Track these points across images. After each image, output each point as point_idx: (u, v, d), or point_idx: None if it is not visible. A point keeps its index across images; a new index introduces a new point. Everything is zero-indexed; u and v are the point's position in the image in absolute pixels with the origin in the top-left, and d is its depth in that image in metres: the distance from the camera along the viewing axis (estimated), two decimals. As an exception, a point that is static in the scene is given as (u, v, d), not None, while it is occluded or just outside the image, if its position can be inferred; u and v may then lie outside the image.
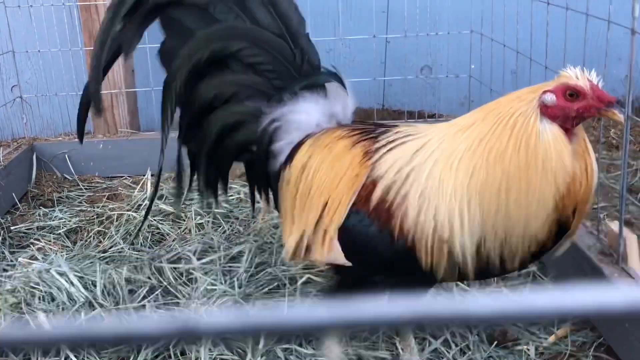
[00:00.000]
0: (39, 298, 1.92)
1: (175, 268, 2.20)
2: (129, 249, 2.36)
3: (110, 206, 2.73)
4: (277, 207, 1.74)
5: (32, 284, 1.97)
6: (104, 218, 2.65)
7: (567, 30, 2.22)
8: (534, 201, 1.36)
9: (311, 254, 1.57)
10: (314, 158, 1.61)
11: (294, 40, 1.72)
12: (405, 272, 1.50)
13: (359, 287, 1.58)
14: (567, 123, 1.38)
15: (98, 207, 2.75)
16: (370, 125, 1.66)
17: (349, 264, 1.53)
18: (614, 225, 1.95)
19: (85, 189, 2.97)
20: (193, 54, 1.69)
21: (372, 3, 3.23)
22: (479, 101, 3.23)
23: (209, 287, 1.97)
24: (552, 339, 1.92)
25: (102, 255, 2.35)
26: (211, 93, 1.72)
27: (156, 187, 1.84)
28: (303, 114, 1.69)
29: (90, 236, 2.53)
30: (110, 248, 2.39)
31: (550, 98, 1.36)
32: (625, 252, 1.88)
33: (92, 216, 2.69)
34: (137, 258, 2.30)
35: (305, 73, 1.72)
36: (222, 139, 1.74)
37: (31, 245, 2.47)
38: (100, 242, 2.47)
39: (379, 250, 1.48)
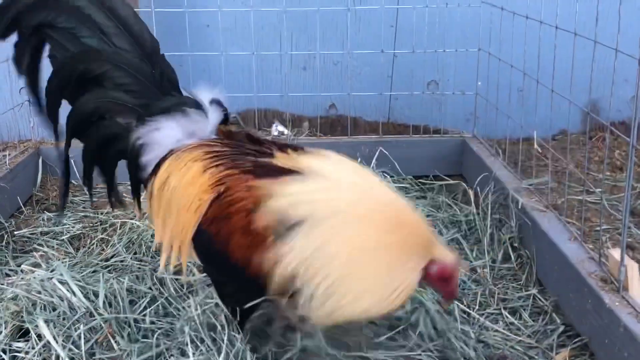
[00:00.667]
0: (40, 307, 1.93)
1: (176, 279, 2.21)
2: (131, 258, 2.37)
3: (114, 213, 2.74)
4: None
5: (33, 292, 1.98)
6: (107, 225, 2.66)
7: (574, 54, 2.22)
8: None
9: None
10: (173, 177, 1.81)
11: (151, 61, 1.90)
12: (240, 283, 1.74)
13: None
14: (422, 280, 1.66)
15: (102, 214, 2.76)
16: (229, 143, 1.84)
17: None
18: (616, 253, 1.95)
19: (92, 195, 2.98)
20: (62, 74, 1.89)
21: (380, 17, 3.24)
22: (484, 118, 3.24)
23: (208, 300, 1.97)
24: (550, 364, 1.93)
25: (105, 263, 2.36)
26: (90, 106, 1.90)
27: (63, 192, 2.11)
28: (163, 131, 1.87)
29: (93, 243, 2.54)
30: (112, 257, 2.40)
31: (434, 269, 1.63)
32: (627, 280, 1.88)
33: (96, 223, 2.70)
34: (139, 268, 2.31)
35: (165, 90, 1.91)
36: (102, 149, 1.95)
37: (34, 251, 2.48)
38: (103, 249, 2.49)
39: (217, 264, 1.77)
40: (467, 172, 3.16)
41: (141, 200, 1.99)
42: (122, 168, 1.98)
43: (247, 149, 1.82)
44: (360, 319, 1.71)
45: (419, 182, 3.16)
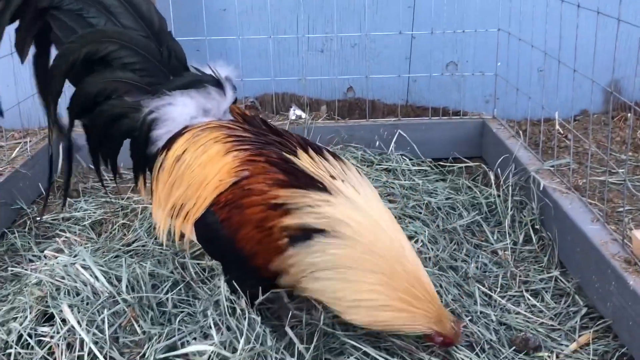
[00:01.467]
0: (65, 292, 1.95)
1: (198, 263, 2.22)
2: (152, 243, 2.38)
3: (135, 198, 2.76)
4: (151, 187, 1.96)
5: (57, 278, 2.00)
6: (128, 210, 2.68)
7: (597, 33, 2.18)
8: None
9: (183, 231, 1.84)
10: (189, 153, 1.82)
11: (158, 39, 1.90)
12: (241, 270, 1.79)
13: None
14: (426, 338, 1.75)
15: (123, 199, 2.78)
16: (250, 129, 1.85)
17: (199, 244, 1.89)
18: (639, 233, 1.93)
19: (110, 179, 2.99)
20: (69, 55, 1.87)
21: (398, -2, 3.21)
22: (504, 99, 3.21)
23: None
24: (573, 347, 1.91)
25: (127, 248, 2.38)
26: (95, 88, 1.91)
27: (67, 179, 2.15)
28: (178, 107, 1.89)
29: (115, 229, 2.56)
30: (134, 242, 2.42)
31: (438, 340, 1.72)
32: (651, 262, 1.86)
33: (117, 208, 2.72)
34: (161, 252, 2.33)
35: (174, 68, 1.91)
36: (109, 128, 1.95)
37: (56, 237, 2.51)
38: (124, 235, 2.50)
39: (221, 248, 1.80)
40: (487, 154, 3.14)
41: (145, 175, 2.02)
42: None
43: (270, 139, 1.82)
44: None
45: (438, 164, 3.14)
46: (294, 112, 3.50)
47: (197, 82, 1.90)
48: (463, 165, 3.09)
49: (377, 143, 3.17)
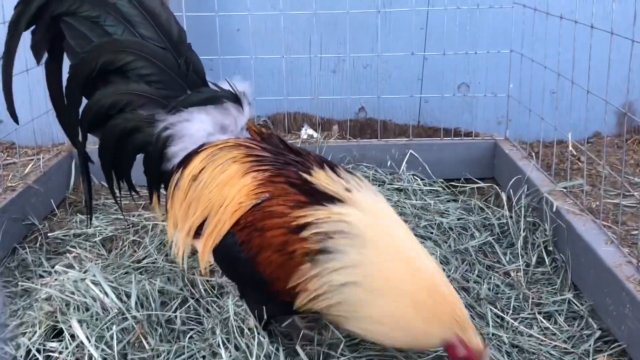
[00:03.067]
0: (74, 307, 1.95)
1: (207, 280, 2.21)
2: (162, 260, 2.38)
3: (146, 215, 2.76)
4: (165, 204, 1.91)
5: (67, 293, 1.99)
6: (139, 227, 2.68)
7: (610, 55, 2.18)
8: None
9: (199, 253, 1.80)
10: (206, 172, 1.77)
11: (177, 51, 1.86)
12: (261, 294, 1.74)
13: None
14: (446, 353, 1.67)
15: (133, 216, 2.78)
16: (268, 147, 1.81)
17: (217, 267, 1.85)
18: (655, 256, 1.91)
19: (122, 196, 3.00)
20: (85, 65, 1.84)
21: (411, 19, 3.22)
22: (517, 121, 3.20)
23: (237, 304, 1.97)
24: (587, 370, 1.88)
25: (137, 265, 2.38)
26: (108, 101, 1.87)
27: (88, 197, 2.14)
28: (195, 123, 1.84)
29: (125, 245, 2.56)
30: (144, 259, 2.42)
31: (461, 350, 1.61)
32: (666, 285, 1.83)
33: (128, 225, 2.72)
34: (171, 269, 2.32)
35: (191, 81, 1.87)
36: (121, 143, 1.91)
37: (67, 253, 2.51)
38: (134, 251, 2.50)
39: (240, 271, 1.75)
40: (499, 175, 3.12)
41: (160, 192, 1.99)
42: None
43: (289, 158, 1.78)
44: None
45: (450, 185, 3.12)
46: (306, 132, 3.51)
47: (215, 99, 1.85)
48: (475, 186, 3.08)
49: (389, 163, 3.16)
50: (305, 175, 1.71)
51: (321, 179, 1.71)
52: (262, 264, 1.67)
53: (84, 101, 1.94)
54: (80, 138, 1.98)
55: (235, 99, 1.87)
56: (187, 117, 1.84)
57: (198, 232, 1.80)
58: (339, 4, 3.20)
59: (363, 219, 1.64)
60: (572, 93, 2.48)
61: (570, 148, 2.78)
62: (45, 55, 1.92)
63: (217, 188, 1.75)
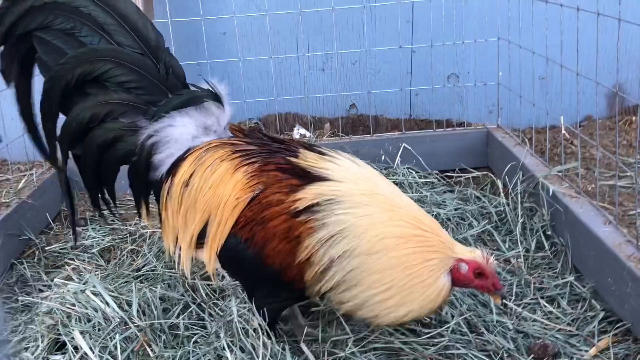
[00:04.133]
0: (76, 319, 1.93)
1: (208, 284, 2.20)
2: (162, 267, 2.37)
3: (142, 224, 2.75)
4: (159, 215, 1.88)
5: (68, 305, 1.98)
6: (136, 236, 2.67)
7: (598, 37, 2.18)
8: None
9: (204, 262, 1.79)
10: (197, 177, 1.76)
11: (155, 56, 1.83)
12: (273, 287, 1.74)
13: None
14: (459, 284, 1.70)
15: (130, 225, 2.77)
16: (252, 142, 1.81)
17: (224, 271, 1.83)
18: (654, 234, 1.91)
19: (117, 207, 2.99)
20: (62, 77, 1.79)
21: (397, 14, 3.22)
22: (508, 108, 3.20)
23: (240, 306, 1.96)
24: (593, 351, 1.88)
25: (136, 274, 2.37)
26: (87, 114, 1.82)
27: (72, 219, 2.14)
28: (178, 128, 1.82)
29: (124, 255, 2.55)
30: (143, 267, 2.41)
31: (464, 268, 1.67)
32: (667, 261, 1.84)
33: (125, 234, 2.71)
34: (171, 276, 2.31)
35: (172, 85, 1.84)
36: (103, 154, 1.86)
37: (66, 265, 2.50)
38: (133, 260, 2.49)
39: (249, 270, 1.74)
40: (494, 163, 3.12)
41: (148, 202, 1.95)
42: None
43: (274, 147, 1.80)
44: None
45: (445, 175, 3.12)
46: (298, 131, 3.51)
47: (195, 99, 1.83)
48: (470, 175, 3.08)
49: (383, 157, 3.16)
50: (293, 159, 1.72)
51: (309, 158, 1.73)
52: (271, 256, 1.67)
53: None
54: (60, 157, 1.91)
55: (215, 97, 1.85)
56: (170, 122, 1.82)
57: (200, 242, 1.78)
58: (324, 1, 3.20)
59: (355, 188, 1.67)
60: (562, 77, 2.48)
61: (564, 132, 2.79)
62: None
63: (211, 190, 1.75)
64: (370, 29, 3.42)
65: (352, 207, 1.64)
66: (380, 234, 1.62)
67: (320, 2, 3.24)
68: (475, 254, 1.68)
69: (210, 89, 1.86)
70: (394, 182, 3.00)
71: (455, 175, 3.12)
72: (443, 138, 3.22)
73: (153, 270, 2.37)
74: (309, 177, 1.68)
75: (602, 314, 2.03)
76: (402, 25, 3.37)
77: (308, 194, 1.64)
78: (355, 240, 1.62)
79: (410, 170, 3.09)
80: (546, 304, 2.12)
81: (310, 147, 1.81)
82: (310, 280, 1.66)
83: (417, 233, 1.65)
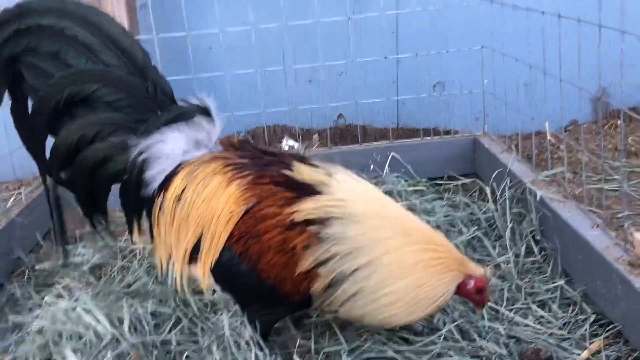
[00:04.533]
0: (67, 337, 1.93)
1: (200, 299, 2.20)
2: (153, 282, 2.36)
3: (133, 240, 2.73)
4: (151, 232, 1.87)
5: (59, 323, 1.97)
6: (126, 252, 2.66)
7: (580, 42, 2.21)
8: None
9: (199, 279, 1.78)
10: (189, 191, 1.76)
11: (142, 74, 1.83)
12: (267, 301, 1.74)
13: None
14: (458, 294, 1.78)
15: (120, 242, 2.76)
16: (244, 154, 1.81)
17: (218, 287, 1.80)
18: (640, 236, 1.93)
19: (108, 223, 2.98)
20: (50, 99, 1.79)
21: (381, 24, 3.25)
22: (494, 115, 3.23)
23: (232, 319, 1.96)
24: (585, 354, 1.89)
25: (127, 290, 2.36)
26: (75, 136, 1.81)
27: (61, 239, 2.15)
28: (169, 143, 1.81)
29: (114, 271, 2.54)
30: (134, 282, 2.40)
31: (471, 284, 1.74)
32: (654, 262, 1.85)
33: (115, 251, 2.70)
34: (161, 291, 2.30)
35: (161, 102, 1.84)
36: (94, 175, 1.85)
37: (56, 284, 2.48)
38: (124, 276, 2.48)
39: (244, 284, 1.74)
40: (482, 170, 3.14)
41: (140, 220, 1.93)
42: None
43: (267, 159, 1.80)
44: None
45: (434, 183, 3.14)
46: (287, 143, 3.52)
47: (185, 114, 1.83)
48: (459, 182, 3.10)
49: (372, 167, 3.18)
50: (287, 172, 1.73)
51: (303, 171, 1.74)
52: (265, 270, 1.67)
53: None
54: (52, 179, 1.92)
55: (205, 112, 1.85)
56: (161, 138, 1.81)
57: (193, 257, 1.77)
58: (309, 13, 3.22)
59: (351, 200, 1.69)
60: (546, 83, 2.51)
61: (549, 137, 2.81)
62: (9, 102, 1.87)
63: (204, 203, 1.74)
64: (356, 41, 3.45)
65: (353, 223, 1.66)
66: (394, 256, 1.68)
67: (305, 14, 3.26)
68: (483, 271, 1.75)
69: (199, 104, 1.86)
70: (383, 191, 3.01)
71: (443, 182, 3.13)
72: (431, 146, 3.24)
73: (144, 286, 2.36)
74: (303, 190, 1.68)
75: (593, 317, 2.05)
76: (387, 36, 3.40)
77: (303, 207, 1.64)
78: (368, 256, 1.66)
79: (399, 178, 3.10)
80: (537, 309, 2.13)
81: (302, 159, 1.81)
82: (315, 286, 1.67)
83: (433, 256, 1.71)
